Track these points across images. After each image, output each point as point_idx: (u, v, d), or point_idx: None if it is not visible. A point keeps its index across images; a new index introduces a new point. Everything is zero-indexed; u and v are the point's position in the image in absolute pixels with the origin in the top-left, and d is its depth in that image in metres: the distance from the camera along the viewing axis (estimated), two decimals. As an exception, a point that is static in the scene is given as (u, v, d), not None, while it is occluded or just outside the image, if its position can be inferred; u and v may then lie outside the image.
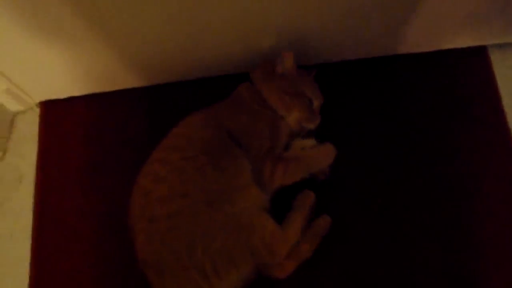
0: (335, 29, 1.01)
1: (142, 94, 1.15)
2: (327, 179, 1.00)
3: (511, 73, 1.10)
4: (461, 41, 1.10)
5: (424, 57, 1.11)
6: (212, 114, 0.97)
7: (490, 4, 0.97)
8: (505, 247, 0.97)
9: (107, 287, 1.01)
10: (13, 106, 1.15)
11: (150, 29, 0.94)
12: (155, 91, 1.15)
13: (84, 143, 1.14)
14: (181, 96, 1.12)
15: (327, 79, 1.07)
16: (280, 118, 0.98)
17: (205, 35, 0.98)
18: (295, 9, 0.93)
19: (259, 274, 0.90)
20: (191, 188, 0.86)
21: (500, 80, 1.09)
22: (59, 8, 0.85)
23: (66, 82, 1.12)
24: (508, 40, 1.11)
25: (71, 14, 0.87)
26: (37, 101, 1.17)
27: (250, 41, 1.02)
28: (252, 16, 0.94)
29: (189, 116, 0.97)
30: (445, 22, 1.02)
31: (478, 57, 1.12)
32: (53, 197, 1.10)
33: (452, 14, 1.00)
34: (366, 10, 0.95)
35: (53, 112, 1.16)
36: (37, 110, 1.17)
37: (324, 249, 0.97)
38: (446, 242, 0.98)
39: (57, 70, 1.06)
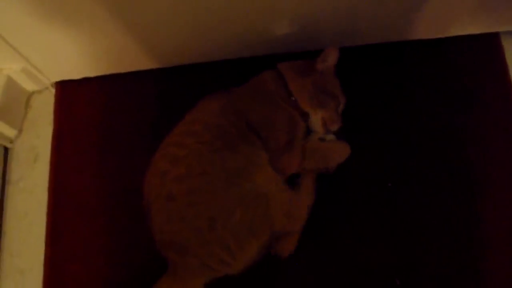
0: (348, 14, 1.01)
1: (155, 76, 1.16)
2: (330, 174, 1.00)
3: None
4: (473, 27, 1.09)
5: (436, 43, 1.11)
6: (230, 101, 0.95)
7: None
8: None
9: (120, 262, 1.04)
10: (29, 85, 1.17)
11: (164, 11, 0.95)
12: (168, 73, 1.16)
13: (98, 123, 1.16)
14: (194, 78, 1.13)
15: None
16: (300, 116, 0.96)
17: (218, 17, 0.98)
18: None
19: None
20: (209, 168, 0.86)
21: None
22: None
23: (81, 63, 1.13)
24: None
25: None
26: (53, 81, 1.19)
27: (263, 24, 1.02)
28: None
29: (205, 100, 0.96)
30: (457, 8, 1.02)
31: (490, 43, 1.11)
32: (68, 175, 1.12)
33: (464, 0, 0.99)
34: None
35: (68, 92, 1.18)
36: (53, 90, 1.19)
37: (331, 233, 1.00)
38: (454, 227, 0.99)
39: (72, 51, 1.07)
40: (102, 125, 1.16)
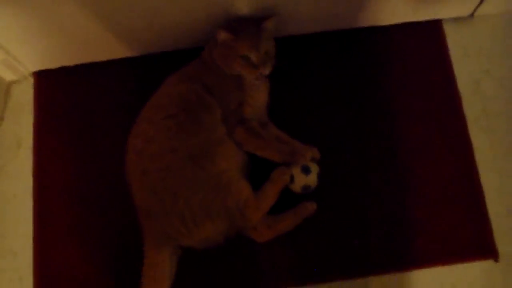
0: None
1: (130, 64, 1.24)
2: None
3: (461, 43, 1.24)
4: (418, 15, 1.22)
5: (385, 30, 1.23)
6: (187, 72, 1.10)
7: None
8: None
9: (106, 237, 1.13)
10: (8, 75, 1.22)
11: (136, 2, 1.02)
12: (143, 61, 1.24)
13: (77, 110, 1.23)
14: (168, 65, 1.18)
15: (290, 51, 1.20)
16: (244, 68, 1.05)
17: (184, 5, 1.06)
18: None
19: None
20: (177, 144, 0.99)
21: (452, 50, 1.23)
22: None
23: (58, 53, 1.20)
24: (461, 15, 1.24)
25: None
26: (31, 71, 1.24)
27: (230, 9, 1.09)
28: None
29: (169, 76, 1.10)
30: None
31: (433, 29, 1.24)
32: (51, 160, 1.20)
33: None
34: None
35: (46, 81, 1.25)
36: (31, 80, 1.25)
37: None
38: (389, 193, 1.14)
39: (49, 41, 1.14)
40: (80, 111, 1.23)
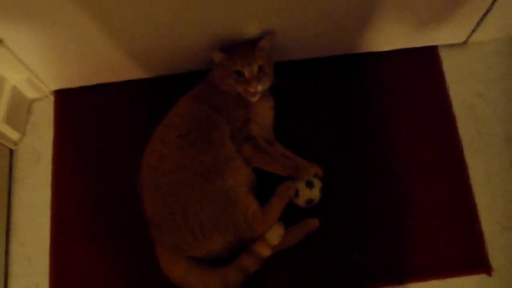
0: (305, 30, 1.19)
1: (145, 85, 1.33)
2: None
3: (456, 68, 1.31)
4: (416, 41, 1.30)
5: (383, 55, 1.31)
6: (196, 93, 1.17)
7: (439, 11, 1.17)
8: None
9: (119, 246, 1.19)
10: (31, 93, 1.31)
11: (149, 27, 1.10)
12: (157, 82, 1.32)
13: (94, 127, 1.31)
14: (181, 86, 1.24)
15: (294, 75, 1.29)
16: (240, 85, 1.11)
17: (197, 30, 1.13)
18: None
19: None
20: (188, 161, 1.06)
21: (447, 74, 1.31)
22: (73, 11, 1.01)
23: (77, 74, 1.29)
24: (455, 41, 1.32)
25: (85, 17, 1.03)
26: (52, 89, 1.33)
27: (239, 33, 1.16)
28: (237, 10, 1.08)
29: (181, 98, 1.17)
30: (402, 24, 1.21)
31: (429, 55, 1.32)
32: (68, 173, 1.27)
33: (408, 18, 1.19)
34: (337, 13, 1.13)
35: (66, 99, 1.33)
36: (52, 98, 1.34)
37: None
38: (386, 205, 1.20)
39: (69, 63, 1.22)
40: (97, 128, 1.31)
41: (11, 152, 1.30)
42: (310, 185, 1.10)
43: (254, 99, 1.11)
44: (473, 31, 1.26)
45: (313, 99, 1.30)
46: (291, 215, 1.11)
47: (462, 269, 1.13)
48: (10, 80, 1.23)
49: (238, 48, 1.11)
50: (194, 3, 1.04)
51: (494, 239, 1.15)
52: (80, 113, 1.32)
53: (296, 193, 1.10)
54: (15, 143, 1.30)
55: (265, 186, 1.12)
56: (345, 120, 1.28)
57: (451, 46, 1.32)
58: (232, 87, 1.12)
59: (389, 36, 1.26)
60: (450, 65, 1.31)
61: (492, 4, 1.15)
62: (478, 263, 1.13)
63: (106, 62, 1.24)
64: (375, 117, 1.28)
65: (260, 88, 1.10)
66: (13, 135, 1.28)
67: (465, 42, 1.32)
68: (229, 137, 1.11)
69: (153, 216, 1.07)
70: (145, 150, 1.12)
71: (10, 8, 0.99)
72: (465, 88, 1.29)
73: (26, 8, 1.00)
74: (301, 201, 1.11)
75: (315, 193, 1.11)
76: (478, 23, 1.23)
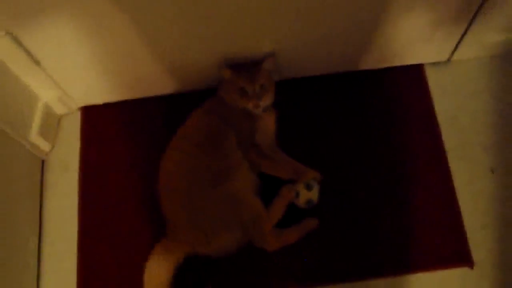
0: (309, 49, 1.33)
1: (166, 101, 1.47)
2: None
3: (441, 83, 1.45)
4: (403, 60, 1.44)
5: (376, 73, 1.45)
6: (207, 107, 1.29)
7: (425, 30, 1.30)
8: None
9: (140, 248, 1.29)
10: (60, 110, 1.46)
11: (171, 45, 1.24)
12: (177, 98, 1.46)
13: (117, 139, 1.45)
14: (195, 103, 1.35)
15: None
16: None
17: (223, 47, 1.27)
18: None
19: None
20: (201, 167, 1.20)
21: (432, 89, 1.44)
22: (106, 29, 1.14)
23: (102, 91, 1.43)
24: (439, 60, 1.46)
25: (117, 37, 1.17)
26: (79, 106, 1.48)
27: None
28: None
29: (193, 111, 1.30)
30: (392, 44, 1.35)
31: (416, 72, 1.46)
32: (94, 182, 1.41)
33: (397, 38, 1.32)
34: (339, 32, 1.26)
35: (91, 115, 1.48)
36: (78, 113, 1.49)
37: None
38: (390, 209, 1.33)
39: (95, 80, 1.37)
40: (120, 140, 1.45)
41: (43, 162, 1.45)
42: (309, 187, 1.24)
43: (257, 112, 1.26)
44: (455, 50, 1.40)
45: (313, 113, 1.44)
46: (292, 216, 1.25)
47: (447, 262, 1.25)
48: (43, 97, 1.38)
49: (244, 67, 1.26)
50: (211, 28, 1.18)
51: (475, 235, 1.27)
52: (105, 127, 1.47)
53: (297, 195, 1.24)
54: (46, 154, 1.45)
55: (269, 189, 1.26)
56: (342, 132, 1.41)
57: (436, 64, 1.46)
58: (235, 101, 1.25)
59: (380, 56, 1.40)
60: (435, 80, 1.45)
61: (469, 26, 1.29)
62: (461, 257, 1.25)
63: (130, 81, 1.39)
64: (370, 127, 1.41)
65: (261, 104, 1.24)
66: (45, 146, 1.42)
67: (448, 60, 1.46)
68: (237, 145, 1.24)
69: (171, 216, 1.21)
70: (162, 158, 1.26)
71: (52, 33, 1.12)
72: (449, 101, 1.42)
73: (69, 33, 1.13)
74: (301, 202, 1.25)
75: (314, 195, 1.25)
76: (458, 43, 1.37)
